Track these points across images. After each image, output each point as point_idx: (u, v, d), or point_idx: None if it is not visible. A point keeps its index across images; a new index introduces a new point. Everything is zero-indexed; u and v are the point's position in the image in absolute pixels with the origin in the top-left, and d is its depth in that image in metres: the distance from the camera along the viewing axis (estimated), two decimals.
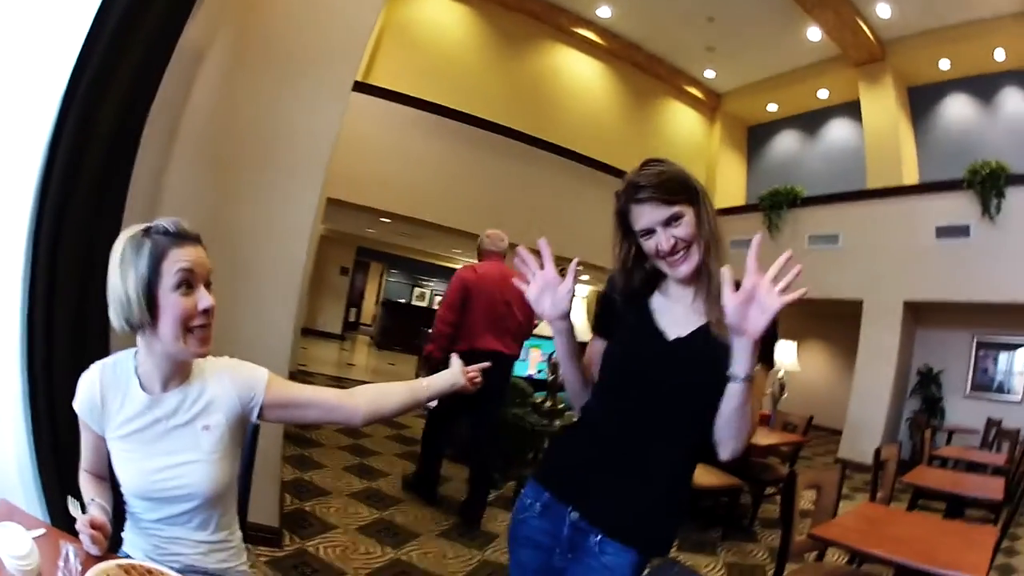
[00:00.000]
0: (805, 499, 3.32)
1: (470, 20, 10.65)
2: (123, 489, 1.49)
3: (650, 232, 1.52)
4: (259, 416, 1.57)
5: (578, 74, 11.40)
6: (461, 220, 8.83)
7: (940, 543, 2.79)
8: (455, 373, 1.78)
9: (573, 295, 1.58)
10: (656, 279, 1.64)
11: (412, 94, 8.88)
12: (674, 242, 1.51)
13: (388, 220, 10.44)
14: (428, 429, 4.83)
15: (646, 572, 1.51)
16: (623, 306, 1.65)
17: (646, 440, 1.57)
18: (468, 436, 4.73)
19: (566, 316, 1.59)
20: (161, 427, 1.47)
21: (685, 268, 1.53)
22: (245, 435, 1.64)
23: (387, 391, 1.73)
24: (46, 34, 2.01)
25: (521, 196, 8.96)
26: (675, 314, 1.61)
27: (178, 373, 1.49)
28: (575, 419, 1.77)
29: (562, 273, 1.57)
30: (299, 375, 8.85)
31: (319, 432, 6.22)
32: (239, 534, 1.65)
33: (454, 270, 5.43)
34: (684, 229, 1.51)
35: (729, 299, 1.33)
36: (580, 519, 1.58)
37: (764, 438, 5.31)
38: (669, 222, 1.50)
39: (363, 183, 8.49)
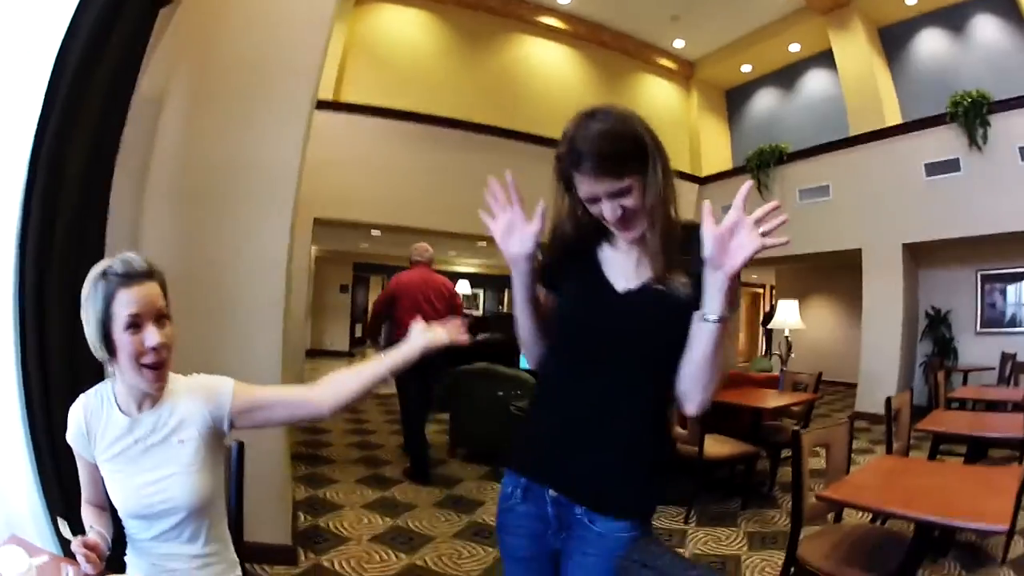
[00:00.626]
0: (820, 458, 3.27)
1: (431, 25, 10.59)
2: (119, 511, 1.58)
3: (595, 200, 1.45)
4: (231, 425, 1.64)
5: (546, 62, 11.31)
6: (448, 222, 8.79)
7: (960, 491, 2.67)
8: (413, 338, 1.76)
9: (539, 238, 1.51)
10: (602, 229, 1.55)
11: (385, 105, 8.90)
12: (621, 212, 1.43)
13: (378, 232, 10.42)
14: (402, 415, 5.63)
15: (624, 555, 1.43)
16: (569, 256, 1.59)
17: (606, 402, 1.51)
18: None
19: (530, 258, 1.52)
20: (141, 446, 1.55)
21: (632, 233, 1.48)
22: (224, 448, 1.72)
23: (346, 376, 1.73)
24: (9, 91, 2.12)
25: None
26: (624, 266, 1.55)
27: (150, 395, 1.57)
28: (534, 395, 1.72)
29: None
30: None
31: (330, 449, 6.32)
32: (231, 548, 1.72)
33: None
34: (632, 199, 1.43)
35: (709, 231, 1.29)
36: (560, 496, 1.53)
37: (774, 400, 5.29)
38: (615, 195, 1.42)
39: (348, 200, 8.52)
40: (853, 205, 9.44)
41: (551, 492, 1.54)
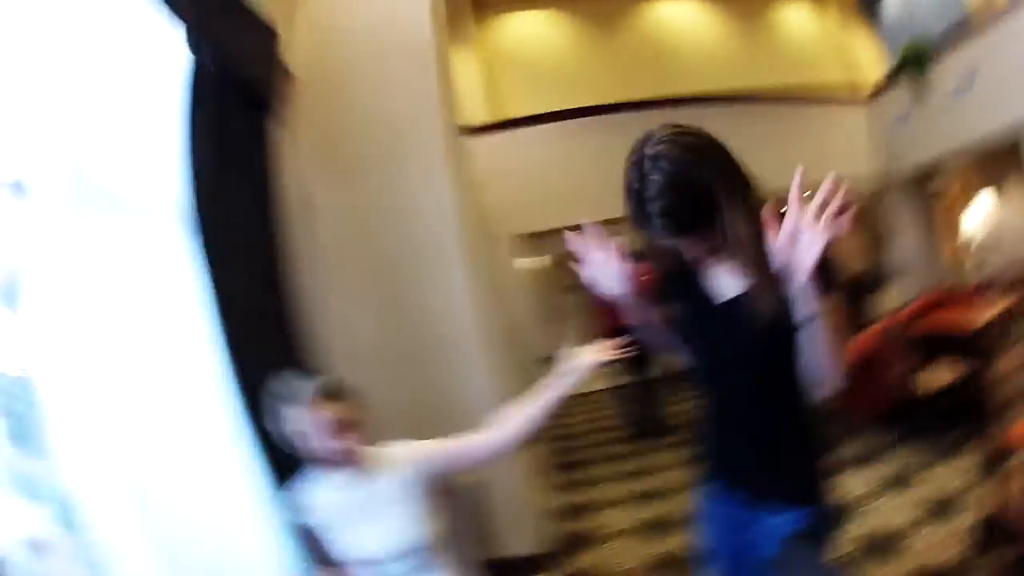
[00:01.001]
0: None
1: (558, 21, 10.63)
2: (350, 563, 1.95)
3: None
4: (431, 479, 1.97)
5: (679, 21, 10.74)
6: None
7: None
8: (571, 363, 1.94)
9: (628, 273, 1.60)
10: None
11: (540, 111, 9.10)
12: (700, 254, 1.50)
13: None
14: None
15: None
16: (675, 271, 1.65)
17: (750, 406, 1.59)
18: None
19: (626, 292, 1.61)
20: (359, 509, 1.93)
21: (714, 263, 1.54)
22: (435, 496, 2.02)
23: (521, 412, 1.98)
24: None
25: None
26: (724, 276, 1.59)
27: (358, 469, 1.96)
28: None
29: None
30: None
31: (585, 451, 6.60)
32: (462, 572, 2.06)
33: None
34: (702, 245, 1.47)
35: (774, 244, 1.29)
36: (743, 496, 1.67)
37: (982, 313, 4.91)
38: (692, 245, 1.47)
39: (541, 209, 8.62)
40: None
41: (739, 494, 1.68)
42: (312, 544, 2.01)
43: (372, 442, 2.00)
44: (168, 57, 2.56)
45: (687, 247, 1.48)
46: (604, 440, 6.96)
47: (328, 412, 1.86)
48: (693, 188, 1.36)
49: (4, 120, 2.14)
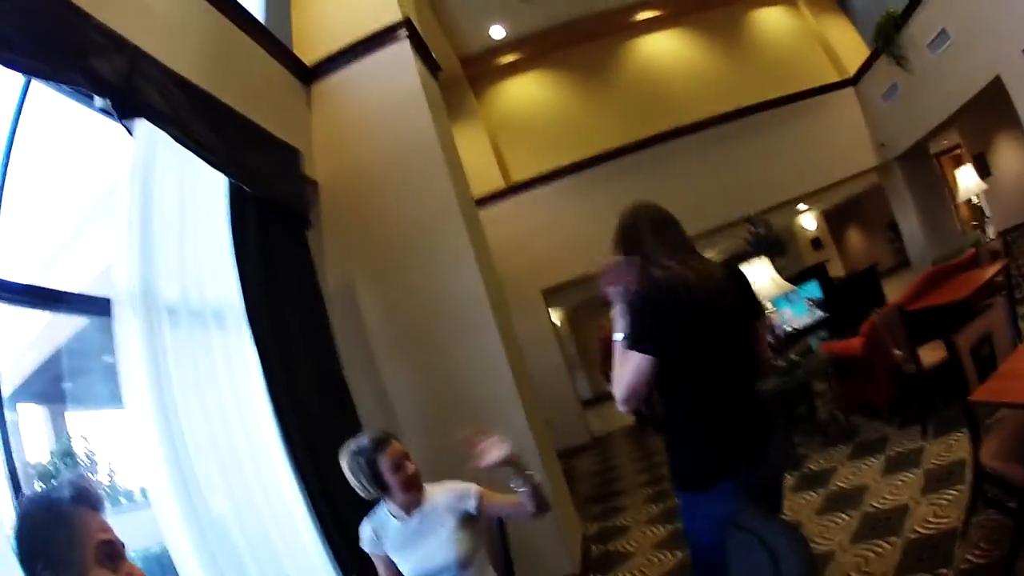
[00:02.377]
0: None
1: (549, 79, 11.17)
2: None
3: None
4: (478, 515, 2.42)
5: (663, 52, 11.33)
6: None
7: None
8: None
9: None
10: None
11: (553, 166, 9.68)
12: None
13: None
14: None
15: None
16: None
17: (739, 390, 2.04)
18: None
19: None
20: (416, 536, 2.38)
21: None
22: (477, 524, 2.44)
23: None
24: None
25: (682, 188, 8.91)
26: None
27: (414, 503, 2.41)
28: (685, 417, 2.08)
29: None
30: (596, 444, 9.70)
31: (621, 482, 6.90)
32: None
33: None
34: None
35: None
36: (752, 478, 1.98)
37: (972, 284, 5.07)
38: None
39: (562, 261, 9.08)
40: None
41: (750, 478, 1.96)
42: (383, 569, 2.46)
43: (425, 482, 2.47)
44: (209, 185, 3.07)
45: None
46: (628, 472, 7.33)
47: (394, 448, 2.35)
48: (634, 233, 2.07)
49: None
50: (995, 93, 7.72)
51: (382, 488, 2.33)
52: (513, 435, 4.10)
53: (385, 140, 4.46)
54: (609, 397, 13.26)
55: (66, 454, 2.79)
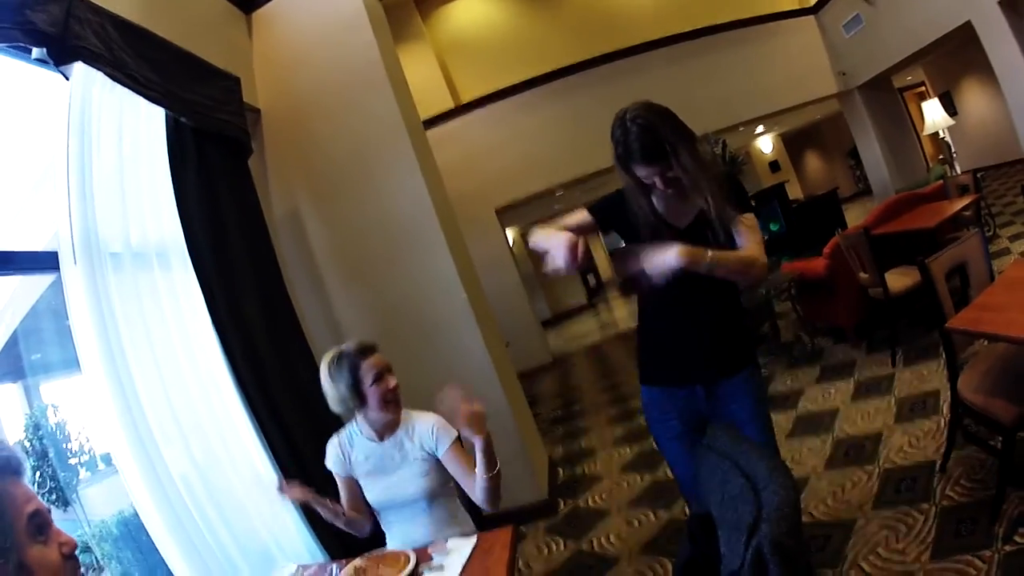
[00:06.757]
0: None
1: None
2: (373, 505, 2.35)
3: (648, 177, 1.98)
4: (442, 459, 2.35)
5: None
6: (606, 156, 8.95)
7: None
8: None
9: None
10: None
11: (498, 87, 9.43)
12: (664, 182, 1.97)
13: (560, 192, 10.95)
14: None
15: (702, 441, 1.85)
16: (622, 208, 2.12)
17: (712, 302, 2.11)
18: None
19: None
20: (386, 461, 2.33)
21: (673, 190, 2.00)
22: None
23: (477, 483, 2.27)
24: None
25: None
26: (673, 207, 2.11)
27: (388, 427, 2.35)
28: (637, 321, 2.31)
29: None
30: (557, 365, 9.83)
31: (583, 403, 7.01)
32: (468, 518, 2.43)
33: None
34: (663, 176, 1.95)
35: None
36: (703, 385, 2.18)
37: (941, 214, 5.07)
38: (659, 173, 1.95)
39: (513, 180, 9.22)
40: None
41: (698, 390, 2.17)
42: (346, 493, 2.39)
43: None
44: (149, 123, 2.97)
45: (653, 175, 1.95)
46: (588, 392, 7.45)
47: (378, 357, 2.29)
48: (656, 133, 1.90)
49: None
50: (965, 38, 7.76)
51: (359, 398, 2.26)
52: (470, 357, 4.33)
53: (328, 63, 4.32)
54: (567, 316, 13.40)
55: (36, 427, 2.74)
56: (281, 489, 2.27)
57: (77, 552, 1.18)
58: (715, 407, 2.19)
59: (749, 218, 2.04)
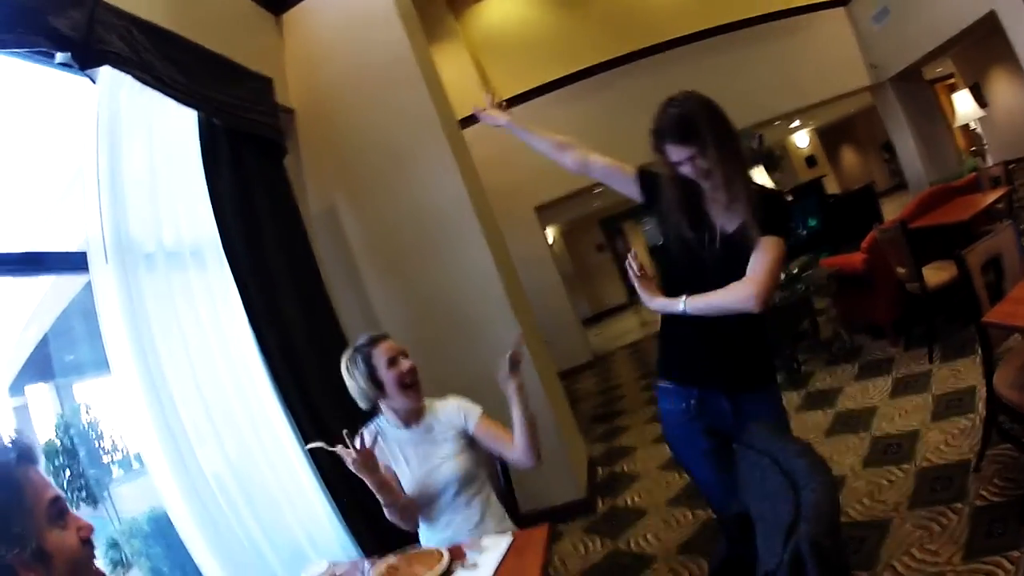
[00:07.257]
0: None
1: None
2: (408, 492, 2.27)
3: (679, 163, 1.93)
4: (473, 440, 2.35)
5: None
6: (642, 154, 8.92)
7: None
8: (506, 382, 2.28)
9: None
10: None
11: (533, 84, 9.39)
12: (695, 170, 1.92)
13: (599, 189, 10.93)
14: None
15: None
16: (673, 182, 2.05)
17: (718, 319, 2.01)
18: None
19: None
20: (417, 448, 2.32)
21: (708, 183, 1.95)
22: (477, 447, 2.38)
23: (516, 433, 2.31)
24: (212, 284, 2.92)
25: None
26: (719, 209, 2.02)
27: (413, 415, 2.36)
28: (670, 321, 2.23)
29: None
30: (597, 363, 9.78)
31: (623, 401, 6.96)
32: (503, 512, 2.39)
33: None
34: (696, 164, 1.91)
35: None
36: (728, 397, 2.11)
37: (974, 206, 4.95)
38: (691, 158, 1.91)
39: (552, 176, 8.76)
40: None
41: (725, 403, 2.11)
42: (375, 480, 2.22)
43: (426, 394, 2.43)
44: (180, 123, 3.02)
45: (683, 159, 1.92)
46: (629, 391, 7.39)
47: (389, 343, 2.32)
48: (692, 115, 1.89)
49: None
50: (990, 27, 7.55)
51: (378, 386, 2.27)
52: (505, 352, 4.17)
53: (360, 61, 4.32)
54: (608, 314, 13.36)
55: (67, 427, 2.78)
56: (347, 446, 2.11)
57: (105, 548, 1.20)
58: (741, 424, 2.04)
59: (770, 241, 1.92)
